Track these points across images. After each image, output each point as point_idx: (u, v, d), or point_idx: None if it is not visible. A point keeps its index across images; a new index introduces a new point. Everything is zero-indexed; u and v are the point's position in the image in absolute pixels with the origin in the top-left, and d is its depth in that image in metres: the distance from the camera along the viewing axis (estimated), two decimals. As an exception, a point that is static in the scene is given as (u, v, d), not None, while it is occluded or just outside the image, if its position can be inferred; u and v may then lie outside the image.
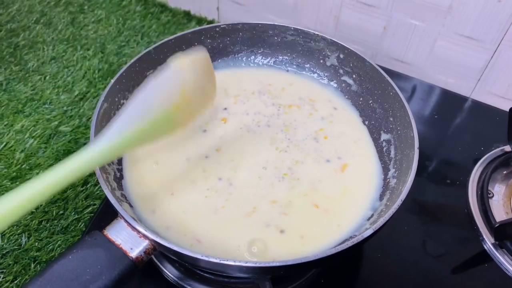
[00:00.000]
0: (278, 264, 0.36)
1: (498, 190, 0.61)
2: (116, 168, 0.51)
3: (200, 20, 0.95)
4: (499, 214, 0.57)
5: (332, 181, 0.52)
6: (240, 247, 0.46)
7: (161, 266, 0.52)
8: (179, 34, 0.59)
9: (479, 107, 0.74)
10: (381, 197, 0.50)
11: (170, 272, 0.51)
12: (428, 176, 0.63)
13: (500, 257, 0.54)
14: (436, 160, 0.66)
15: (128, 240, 0.39)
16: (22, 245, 0.59)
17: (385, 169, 0.53)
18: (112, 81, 0.52)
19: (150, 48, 0.57)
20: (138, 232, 0.39)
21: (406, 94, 0.75)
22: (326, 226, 0.48)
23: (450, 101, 0.75)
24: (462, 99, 0.76)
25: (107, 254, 0.37)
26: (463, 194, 0.60)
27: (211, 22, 0.94)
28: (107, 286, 0.36)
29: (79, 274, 0.35)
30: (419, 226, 0.58)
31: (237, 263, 0.37)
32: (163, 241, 0.38)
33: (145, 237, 0.39)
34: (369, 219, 0.48)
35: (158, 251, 0.40)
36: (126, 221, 0.39)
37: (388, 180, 0.51)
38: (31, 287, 0.34)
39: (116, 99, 0.54)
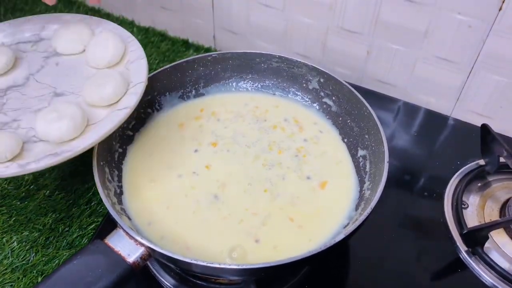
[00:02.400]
0: (256, 266, 0.41)
1: (472, 201, 0.65)
2: (116, 185, 0.56)
3: (197, 48, 0.99)
4: (473, 223, 0.61)
5: (310, 198, 0.57)
6: (222, 252, 0.50)
7: (157, 275, 0.56)
8: (174, 63, 0.64)
9: (458, 124, 0.78)
10: (357, 207, 0.54)
11: (166, 280, 0.55)
12: (407, 189, 0.67)
13: (473, 264, 0.58)
14: (415, 175, 0.69)
15: (126, 247, 0.44)
16: (30, 260, 0.62)
17: (361, 182, 0.57)
18: (114, 106, 0.58)
19: (148, 76, 0.62)
20: (135, 240, 0.44)
21: (390, 114, 0.80)
22: (298, 240, 0.52)
23: (431, 120, 0.79)
24: (442, 117, 0.80)
25: (107, 259, 0.42)
26: (440, 206, 0.64)
27: (208, 49, 0.99)
28: (107, 287, 0.40)
29: (82, 277, 0.40)
30: (398, 236, 0.62)
31: (222, 266, 0.41)
32: (157, 248, 0.42)
33: (141, 244, 0.44)
34: (345, 227, 0.52)
35: (154, 258, 0.45)
36: (124, 230, 0.44)
37: (363, 191, 0.55)
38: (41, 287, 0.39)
39: (118, 123, 0.59)
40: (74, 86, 0.63)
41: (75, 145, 0.52)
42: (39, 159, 0.51)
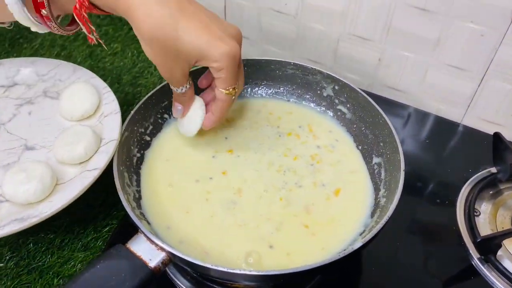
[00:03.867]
0: (276, 272, 0.42)
1: (484, 208, 0.65)
2: (135, 190, 0.56)
3: (208, 53, 1.01)
4: (485, 231, 0.61)
5: (324, 205, 0.57)
6: (239, 257, 0.51)
7: (174, 278, 0.57)
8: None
9: (468, 131, 0.79)
10: (372, 215, 0.55)
11: (182, 283, 0.56)
12: (419, 196, 0.68)
13: (486, 271, 0.58)
14: (428, 182, 0.70)
15: (147, 252, 0.44)
16: (46, 262, 0.63)
17: (376, 190, 0.58)
18: (132, 112, 0.58)
19: (166, 82, 0.63)
20: (156, 245, 0.45)
21: (401, 120, 0.81)
22: (311, 247, 0.53)
23: (442, 127, 0.80)
24: (453, 124, 0.80)
25: (130, 264, 0.43)
26: (452, 213, 0.65)
27: (219, 54, 1.00)
28: (130, 292, 0.41)
29: (106, 281, 0.41)
30: (411, 243, 0.62)
31: (242, 272, 0.42)
32: (179, 253, 0.43)
33: (162, 249, 0.44)
34: (361, 234, 0.53)
35: (174, 263, 0.46)
36: (145, 235, 0.45)
37: (379, 199, 0.56)
38: (66, 291, 0.40)
39: (135, 128, 0.60)
40: (46, 139, 0.62)
41: (42, 210, 0.51)
42: (3, 225, 0.50)
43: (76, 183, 0.54)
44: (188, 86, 0.55)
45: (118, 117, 0.60)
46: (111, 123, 0.59)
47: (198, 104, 0.58)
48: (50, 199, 0.53)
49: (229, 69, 0.51)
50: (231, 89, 0.54)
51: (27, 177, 0.53)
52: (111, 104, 0.63)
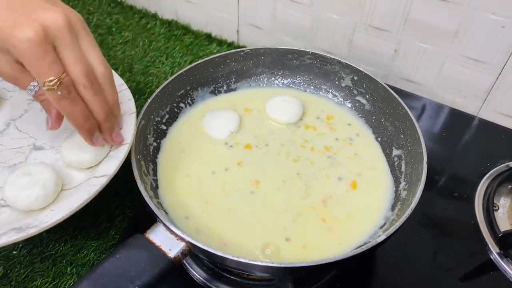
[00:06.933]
0: (300, 265, 0.41)
1: (503, 203, 0.64)
2: (152, 179, 0.56)
3: (220, 42, 0.99)
4: (504, 226, 0.61)
5: (343, 198, 0.56)
6: (256, 248, 0.50)
7: (190, 268, 0.56)
8: (207, 58, 0.64)
9: (485, 125, 0.78)
10: (392, 208, 0.54)
11: (198, 274, 0.56)
12: (437, 190, 0.67)
13: (505, 266, 0.58)
14: (445, 175, 0.69)
15: (166, 242, 0.44)
16: (59, 250, 0.62)
17: (397, 182, 0.57)
18: (149, 100, 0.58)
19: (182, 71, 0.62)
20: (176, 235, 0.44)
21: (416, 113, 0.79)
22: (328, 241, 0.52)
23: (457, 120, 0.79)
24: (469, 117, 0.79)
25: (149, 254, 0.42)
26: (470, 207, 0.64)
27: (231, 44, 0.99)
28: (150, 282, 0.41)
29: (126, 271, 0.40)
30: (428, 237, 0.61)
31: (265, 264, 0.41)
32: (199, 243, 0.43)
33: (182, 239, 0.44)
34: (382, 227, 0.52)
35: (192, 253, 0.45)
36: (165, 225, 0.44)
37: (399, 192, 0.55)
38: (86, 281, 0.39)
39: (152, 116, 0.59)
40: (55, 139, 0.58)
41: (43, 219, 0.47)
42: (0, 234, 0.46)
43: (82, 191, 0.50)
44: (37, 85, 0.46)
45: (133, 118, 0.54)
46: (125, 125, 0.54)
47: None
48: (53, 207, 0.49)
49: (31, 57, 0.41)
50: (49, 83, 0.43)
51: (29, 182, 0.50)
52: (127, 103, 0.57)
